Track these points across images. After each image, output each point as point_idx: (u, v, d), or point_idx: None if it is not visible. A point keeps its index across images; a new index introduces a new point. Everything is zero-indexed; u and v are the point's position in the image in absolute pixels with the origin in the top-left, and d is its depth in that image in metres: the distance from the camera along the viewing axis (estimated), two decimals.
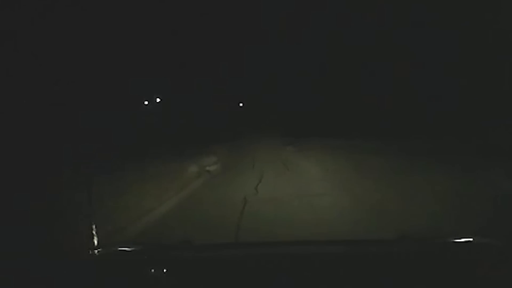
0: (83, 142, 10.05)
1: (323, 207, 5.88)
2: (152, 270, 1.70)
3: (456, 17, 16.93)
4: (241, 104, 44.12)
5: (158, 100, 30.46)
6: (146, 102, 29.02)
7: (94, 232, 2.49)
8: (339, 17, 24.39)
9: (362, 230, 4.71)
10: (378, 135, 15.98)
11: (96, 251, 1.90)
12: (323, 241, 2.39)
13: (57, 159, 8.04)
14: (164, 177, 8.27)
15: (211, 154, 12.48)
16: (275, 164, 11.21)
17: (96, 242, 2.44)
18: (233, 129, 24.40)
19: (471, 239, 1.82)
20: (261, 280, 1.53)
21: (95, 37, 14.08)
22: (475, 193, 6.39)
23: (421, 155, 11.28)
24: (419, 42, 19.16)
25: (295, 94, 31.34)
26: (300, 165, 11.18)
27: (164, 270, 1.71)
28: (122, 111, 18.25)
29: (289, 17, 28.41)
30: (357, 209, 5.67)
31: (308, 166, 10.91)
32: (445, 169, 8.83)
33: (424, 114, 17.98)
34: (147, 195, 6.65)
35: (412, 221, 4.87)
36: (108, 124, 14.62)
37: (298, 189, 7.41)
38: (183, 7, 24.94)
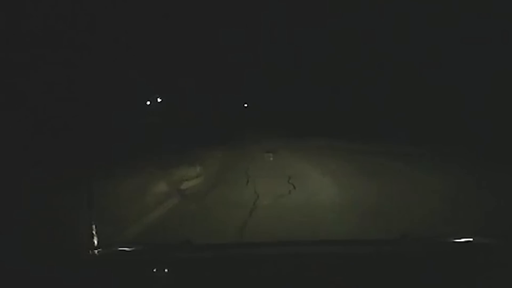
0: (83, 141, 10.05)
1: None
2: (154, 270, 1.70)
3: (463, 15, 16.82)
4: (246, 105, 44.10)
5: (159, 100, 30.49)
6: (148, 102, 29.03)
7: (94, 232, 2.49)
8: (339, 17, 24.40)
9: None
10: (378, 136, 15.97)
11: (96, 251, 1.90)
12: (323, 241, 2.39)
13: (57, 159, 8.04)
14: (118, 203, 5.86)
15: (197, 162, 10.10)
16: (276, 177, 8.54)
17: (96, 242, 2.44)
18: (233, 130, 24.33)
19: (471, 239, 1.82)
20: (261, 280, 1.53)
21: (95, 36, 14.09)
22: (475, 193, 6.40)
23: (421, 156, 11.28)
24: (421, 42, 19.17)
25: (297, 94, 31.32)
26: (307, 176, 8.64)
27: (165, 270, 1.72)
28: (122, 111, 18.26)
29: (289, 17, 28.45)
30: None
31: (316, 176, 8.67)
32: (445, 170, 8.83)
33: (425, 115, 17.96)
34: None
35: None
36: (109, 124, 14.63)
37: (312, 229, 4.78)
38: (185, 6, 24.95)
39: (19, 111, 10.00)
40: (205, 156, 11.88)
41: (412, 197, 6.39)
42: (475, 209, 5.36)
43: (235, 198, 6.76)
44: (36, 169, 6.92)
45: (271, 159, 12.29)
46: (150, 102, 29.60)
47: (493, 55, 15.71)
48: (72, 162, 7.67)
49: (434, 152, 11.64)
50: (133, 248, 1.93)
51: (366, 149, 13.10)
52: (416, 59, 19.41)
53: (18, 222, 4.43)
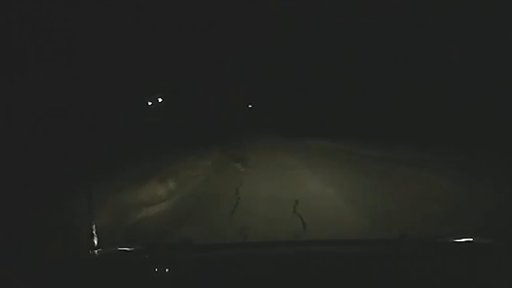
0: (83, 141, 10.06)
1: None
2: (156, 270, 1.71)
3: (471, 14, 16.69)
4: (250, 106, 43.99)
5: (160, 100, 30.46)
6: (149, 103, 28.97)
7: (94, 232, 2.49)
8: (338, 17, 24.36)
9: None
10: (379, 138, 15.94)
11: (96, 251, 1.90)
12: (323, 241, 2.39)
13: (57, 158, 8.04)
14: None
15: (171, 176, 8.07)
16: (277, 199, 6.04)
17: (96, 242, 2.44)
18: (232, 131, 24.26)
19: (471, 239, 1.82)
20: (261, 280, 1.53)
21: (96, 36, 14.08)
22: (475, 193, 6.40)
23: (422, 157, 11.28)
24: (420, 41, 19.13)
25: (297, 93, 31.31)
26: (314, 190, 6.88)
27: (165, 270, 1.72)
28: (122, 112, 18.26)
29: (289, 17, 28.43)
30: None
31: (320, 186, 7.21)
32: (445, 170, 8.83)
33: (425, 117, 17.93)
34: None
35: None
36: (109, 124, 14.64)
37: None
38: (186, 6, 24.92)
39: (19, 112, 10.00)
40: (191, 164, 10.18)
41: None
42: (475, 209, 5.36)
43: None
44: (36, 170, 6.93)
45: (242, 170, 9.68)
46: (151, 103, 29.57)
47: (495, 58, 15.68)
48: (72, 163, 7.68)
49: (434, 153, 11.63)
50: (133, 248, 1.93)
51: (366, 150, 13.09)
52: (416, 60, 19.38)
53: (19, 222, 4.43)
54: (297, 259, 1.77)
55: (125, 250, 1.92)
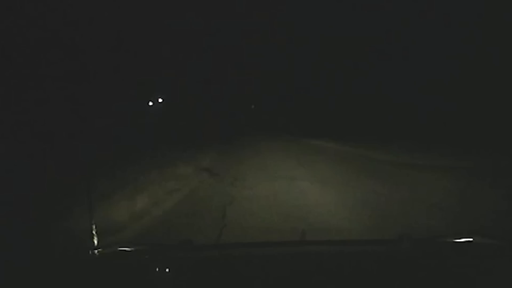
0: (84, 141, 10.05)
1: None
2: (157, 269, 1.71)
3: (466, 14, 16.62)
4: (252, 106, 43.95)
5: (160, 100, 30.43)
6: (150, 103, 28.90)
7: (94, 232, 2.49)
8: (337, 18, 24.35)
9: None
10: (379, 138, 15.93)
11: (96, 251, 1.90)
12: (323, 241, 2.39)
13: (57, 158, 8.04)
14: None
15: (144, 192, 6.57)
16: (278, 227, 4.74)
17: (96, 242, 2.44)
18: (231, 131, 24.13)
19: (471, 239, 1.82)
20: (261, 280, 1.53)
21: (97, 36, 14.07)
22: (475, 193, 6.40)
23: (421, 156, 11.28)
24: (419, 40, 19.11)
25: (297, 93, 31.30)
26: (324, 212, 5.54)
27: (165, 270, 1.72)
28: (123, 111, 18.24)
29: (289, 18, 28.45)
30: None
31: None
32: (445, 170, 8.84)
33: (426, 118, 17.92)
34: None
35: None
36: (109, 124, 14.64)
37: None
38: (186, 7, 24.93)
39: (19, 111, 10.00)
40: (176, 172, 8.67)
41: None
42: (475, 209, 5.36)
43: None
44: (36, 169, 6.93)
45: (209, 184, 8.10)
46: (152, 103, 29.53)
47: (496, 58, 15.66)
48: (71, 162, 7.67)
49: (434, 154, 11.64)
50: (133, 248, 1.93)
51: (367, 152, 13.09)
52: (417, 60, 19.36)
53: (18, 222, 4.43)
54: (297, 259, 1.77)
55: (125, 250, 1.92)
